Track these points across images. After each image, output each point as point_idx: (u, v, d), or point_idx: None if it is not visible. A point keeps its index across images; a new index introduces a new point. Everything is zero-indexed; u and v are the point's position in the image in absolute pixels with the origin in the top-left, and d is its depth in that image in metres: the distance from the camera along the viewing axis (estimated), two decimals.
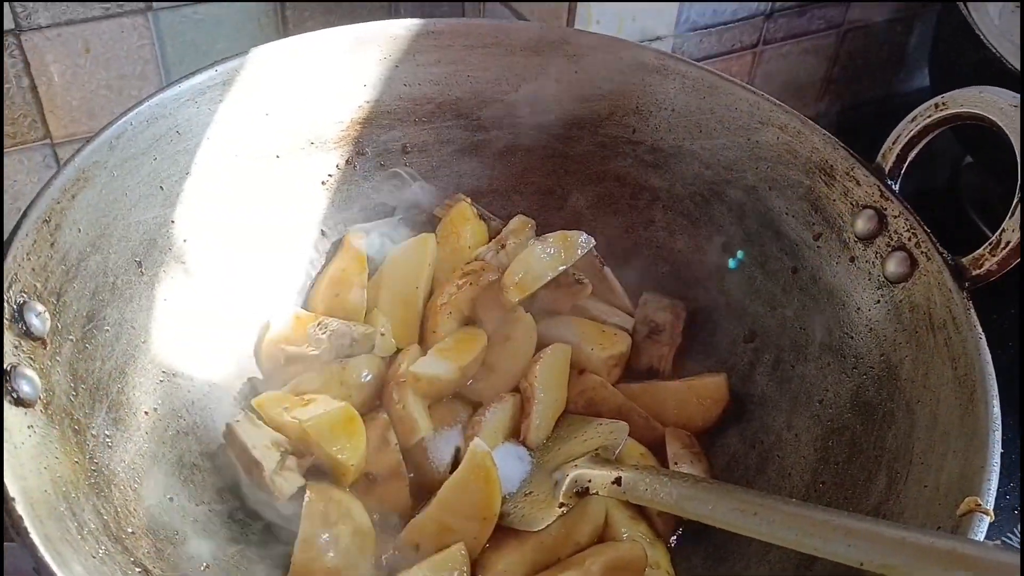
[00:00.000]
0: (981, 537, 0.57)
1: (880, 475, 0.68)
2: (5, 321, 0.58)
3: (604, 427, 0.78)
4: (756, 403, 0.81)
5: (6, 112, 0.98)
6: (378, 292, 0.85)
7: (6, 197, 1.02)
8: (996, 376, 0.64)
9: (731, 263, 0.86)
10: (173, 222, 0.76)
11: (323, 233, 0.88)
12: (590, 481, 0.72)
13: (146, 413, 0.69)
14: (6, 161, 1.01)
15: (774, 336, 0.82)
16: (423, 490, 0.75)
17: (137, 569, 0.57)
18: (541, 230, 0.90)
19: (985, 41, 1.02)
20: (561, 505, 0.71)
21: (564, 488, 0.72)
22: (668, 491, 0.67)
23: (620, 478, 0.70)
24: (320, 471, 0.73)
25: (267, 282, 0.84)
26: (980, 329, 0.67)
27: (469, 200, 0.90)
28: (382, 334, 0.81)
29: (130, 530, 0.60)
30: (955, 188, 1.21)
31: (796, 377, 0.79)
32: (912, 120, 0.75)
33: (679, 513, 0.71)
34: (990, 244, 0.69)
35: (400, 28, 0.86)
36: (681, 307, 0.88)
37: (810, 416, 0.77)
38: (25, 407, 0.57)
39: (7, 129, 0.99)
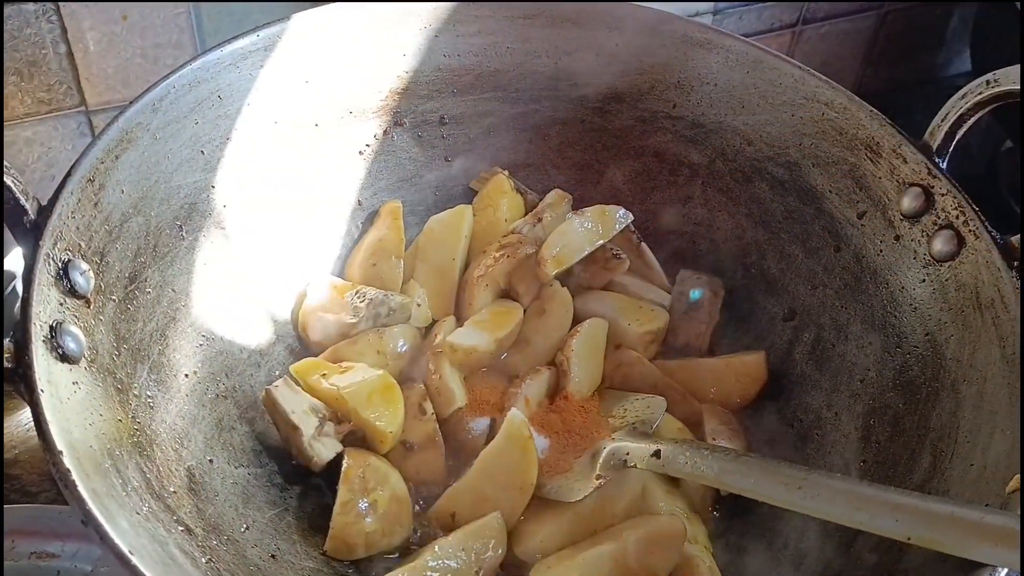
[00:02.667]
0: None
1: (924, 454, 0.67)
2: (51, 278, 0.58)
3: (641, 401, 0.78)
4: (795, 381, 0.80)
5: (43, 78, 0.98)
6: (414, 263, 0.84)
7: (40, 163, 1.02)
8: None
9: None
10: (214, 187, 0.76)
11: (359, 203, 0.88)
12: (628, 454, 0.71)
13: (186, 376, 0.69)
14: (41, 127, 1.01)
15: (814, 315, 0.81)
16: (459, 460, 0.75)
17: (179, 527, 0.57)
18: (578, 205, 0.89)
19: None
20: (598, 477, 0.71)
21: (602, 460, 0.71)
22: (709, 464, 0.66)
23: (659, 451, 0.69)
24: (357, 439, 0.73)
25: (304, 250, 0.84)
26: None
27: (507, 173, 0.90)
28: (419, 304, 0.81)
29: (172, 489, 0.60)
30: (993, 175, 1.20)
31: (836, 356, 0.79)
32: (962, 97, 0.74)
33: (720, 486, 0.70)
34: None
35: None
36: (719, 284, 0.87)
37: (851, 395, 0.76)
38: (70, 363, 0.57)
39: (42, 95, 0.99)
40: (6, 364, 0.53)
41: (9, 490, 0.85)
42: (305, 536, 0.68)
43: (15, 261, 0.89)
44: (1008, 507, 0.57)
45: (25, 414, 0.91)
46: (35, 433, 0.87)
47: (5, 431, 0.90)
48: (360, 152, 0.87)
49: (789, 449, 0.77)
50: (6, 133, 0.98)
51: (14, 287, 0.87)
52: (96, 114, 1.02)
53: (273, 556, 0.64)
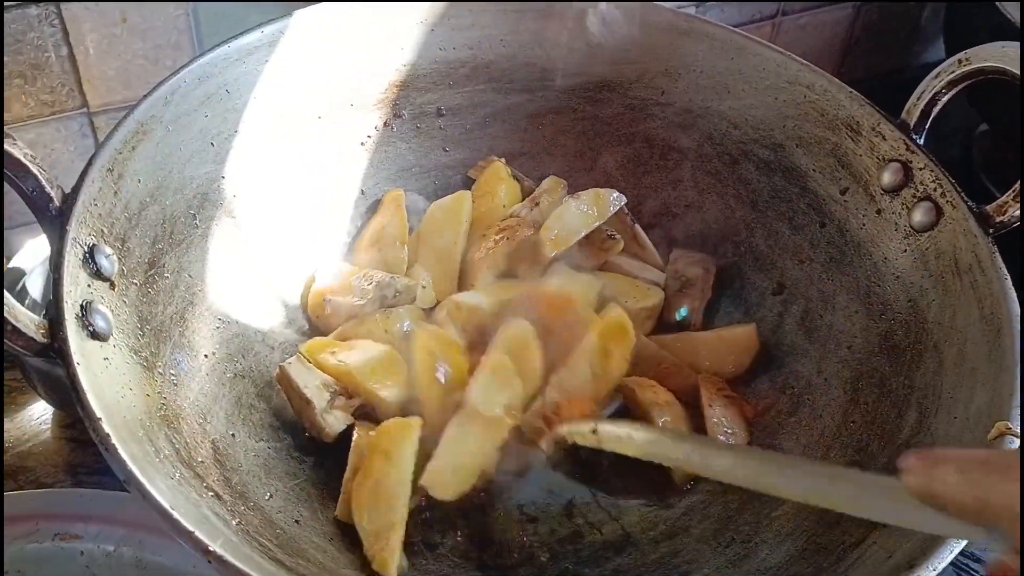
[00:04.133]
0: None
1: (910, 411, 0.71)
2: (78, 260, 0.61)
3: None
4: (786, 351, 0.84)
5: (45, 81, 1.00)
6: (417, 248, 0.87)
7: (43, 164, 1.04)
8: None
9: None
10: (223, 177, 0.79)
11: (363, 192, 0.91)
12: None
13: (206, 356, 0.72)
14: (44, 129, 1.03)
15: (802, 288, 0.85)
16: None
17: (210, 493, 0.60)
18: (572, 191, 0.92)
19: (1000, 8, 1.05)
20: None
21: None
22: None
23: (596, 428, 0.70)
24: (367, 412, 0.76)
25: (311, 237, 0.86)
26: (1005, 270, 0.70)
27: (503, 161, 0.93)
28: (423, 287, 0.84)
29: (199, 459, 0.63)
30: (968, 157, 1.24)
31: (824, 326, 0.82)
32: (936, 76, 0.78)
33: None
34: (1013, 191, 0.72)
35: None
36: (711, 262, 0.90)
37: (839, 361, 0.80)
38: (100, 340, 0.60)
39: (45, 98, 1.01)
40: (42, 339, 0.55)
41: (24, 482, 0.87)
42: (324, 503, 0.71)
43: (24, 258, 0.91)
44: None
45: (36, 408, 0.93)
46: (47, 427, 0.91)
47: (17, 425, 0.92)
48: (362, 143, 0.90)
49: (783, 415, 0.80)
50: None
51: (24, 284, 0.89)
52: (98, 115, 1.04)
53: (297, 521, 0.67)
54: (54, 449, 0.90)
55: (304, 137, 0.86)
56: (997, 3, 1.04)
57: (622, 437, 0.66)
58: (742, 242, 0.90)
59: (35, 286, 0.90)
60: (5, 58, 0.95)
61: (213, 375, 0.72)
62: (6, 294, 0.54)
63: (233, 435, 0.69)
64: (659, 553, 0.71)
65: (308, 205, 0.86)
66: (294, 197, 0.85)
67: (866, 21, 1.29)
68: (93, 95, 1.03)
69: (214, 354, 0.73)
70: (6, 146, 0.59)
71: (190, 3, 1.00)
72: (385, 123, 0.91)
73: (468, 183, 0.94)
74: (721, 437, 0.78)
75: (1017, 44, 0.73)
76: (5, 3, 0.92)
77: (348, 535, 0.69)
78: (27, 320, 0.55)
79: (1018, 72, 0.71)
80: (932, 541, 0.55)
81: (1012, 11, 1.03)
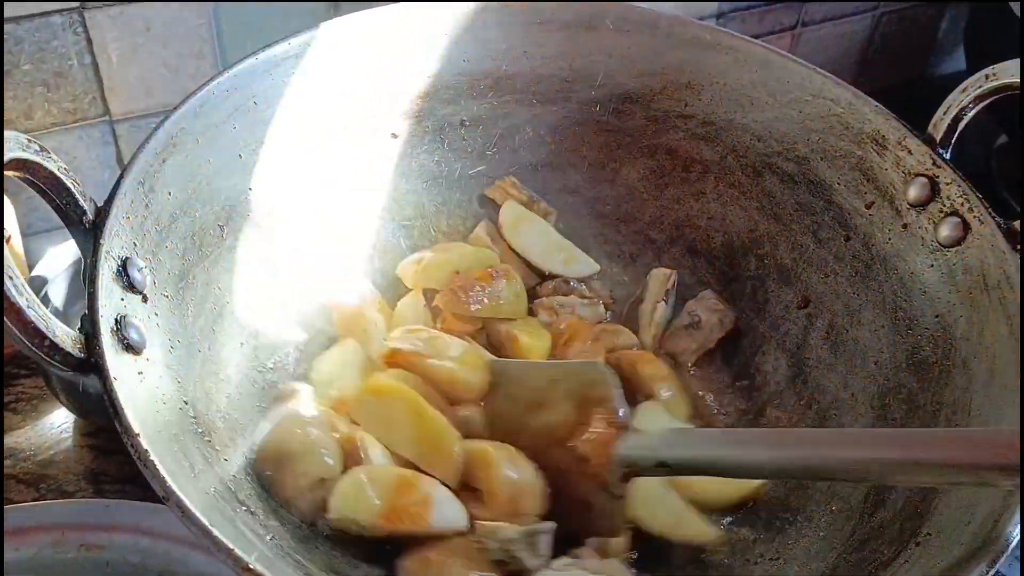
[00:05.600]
0: None
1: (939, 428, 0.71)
2: (112, 274, 0.61)
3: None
4: (812, 365, 0.84)
5: (68, 89, 1.00)
6: None
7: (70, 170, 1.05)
8: None
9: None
10: (251, 189, 0.79)
11: (386, 205, 0.91)
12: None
13: (235, 369, 0.72)
14: (66, 137, 1.03)
15: (827, 302, 0.85)
16: None
17: (243, 508, 0.60)
18: (593, 203, 0.94)
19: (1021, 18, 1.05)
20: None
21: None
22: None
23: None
24: None
25: (337, 249, 0.87)
26: None
27: (517, 186, 0.93)
28: None
29: (232, 474, 0.63)
30: (988, 170, 1.24)
31: (850, 340, 0.82)
32: (963, 91, 0.78)
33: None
34: None
35: (462, 5, 0.88)
36: (731, 319, 0.90)
37: (866, 376, 0.79)
38: (134, 354, 0.60)
39: (68, 106, 1.01)
40: (78, 354, 0.56)
41: (46, 490, 0.87)
42: None
43: (47, 266, 0.91)
44: None
45: (57, 416, 0.93)
46: (69, 435, 0.91)
47: (39, 433, 0.92)
48: (386, 155, 0.90)
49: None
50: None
51: (46, 292, 0.90)
52: (119, 123, 1.05)
53: (328, 537, 0.67)
54: (76, 457, 0.90)
55: (330, 148, 0.86)
56: (1017, 11, 1.04)
57: (696, 458, 0.65)
58: (766, 255, 0.90)
59: (57, 294, 0.90)
60: (28, 66, 0.95)
61: (242, 388, 0.72)
62: (44, 308, 0.54)
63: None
64: (687, 572, 0.71)
65: (333, 218, 0.86)
66: (320, 208, 0.85)
67: (885, 31, 1.29)
68: (115, 103, 1.03)
69: (243, 367, 0.73)
70: (40, 159, 0.59)
71: (211, 4, 1.00)
72: (410, 134, 0.91)
73: (484, 201, 0.94)
74: None
75: None
76: (29, 12, 0.92)
77: (380, 552, 0.69)
78: (64, 335, 0.55)
79: None
80: (969, 561, 0.55)
81: None
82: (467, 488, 0.69)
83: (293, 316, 0.81)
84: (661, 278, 0.92)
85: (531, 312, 0.89)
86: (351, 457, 0.69)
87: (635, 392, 0.82)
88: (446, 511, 0.67)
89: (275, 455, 0.69)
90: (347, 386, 0.77)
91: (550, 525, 0.68)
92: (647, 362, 0.84)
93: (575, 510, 0.69)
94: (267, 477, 0.68)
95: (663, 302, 0.90)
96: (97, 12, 0.96)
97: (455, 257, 0.88)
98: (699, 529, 0.73)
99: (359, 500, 0.66)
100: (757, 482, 0.76)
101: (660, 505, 0.74)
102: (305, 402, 0.74)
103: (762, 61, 0.88)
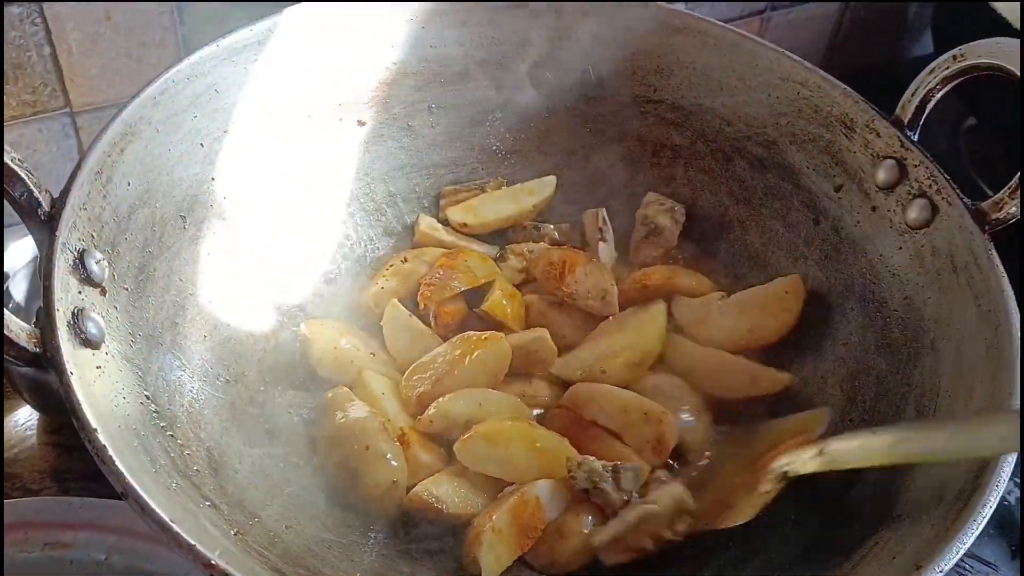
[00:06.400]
0: (1011, 462, 0.59)
1: (908, 410, 0.71)
2: (68, 266, 0.60)
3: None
4: (781, 349, 0.84)
5: (27, 81, 0.98)
6: None
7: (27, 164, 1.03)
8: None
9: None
10: (213, 179, 0.78)
11: (353, 193, 0.89)
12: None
13: (198, 361, 0.71)
14: (26, 130, 1.01)
15: None
16: None
17: (206, 502, 0.59)
18: (564, 189, 0.94)
19: (988, 2, 1.05)
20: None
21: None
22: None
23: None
24: None
25: (302, 239, 0.85)
26: (1002, 267, 0.69)
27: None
28: None
29: (195, 468, 0.62)
30: (956, 151, 1.25)
31: (820, 323, 0.82)
32: (930, 72, 0.78)
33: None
34: (1010, 188, 0.72)
35: None
36: (681, 211, 0.91)
37: (835, 359, 0.80)
38: (92, 348, 0.58)
39: (27, 98, 0.99)
40: (34, 349, 0.54)
41: (10, 488, 0.86)
42: (323, 511, 0.70)
43: (7, 261, 0.90)
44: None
45: (22, 413, 0.91)
46: (33, 432, 0.89)
47: (3, 431, 0.91)
48: (352, 142, 0.89)
49: (780, 414, 0.80)
50: None
51: (7, 288, 0.88)
52: (80, 115, 1.03)
53: (293, 528, 0.66)
54: (40, 455, 0.88)
55: (294, 137, 0.84)
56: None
57: (855, 448, 0.65)
58: (736, 239, 0.90)
59: (19, 290, 0.88)
60: None
61: (206, 380, 0.71)
62: None
63: (227, 442, 0.68)
64: (660, 550, 0.70)
65: (298, 206, 0.85)
66: (284, 198, 0.84)
67: (854, 16, 1.29)
68: (76, 94, 1.01)
69: (206, 359, 0.72)
70: None
71: (174, 1, 0.99)
72: (376, 122, 0.90)
73: (458, 182, 0.93)
74: None
75: (1014, 41, 0.73)
76: None
77: (346, 542, 0.68)
78: (18, 329, 0.54)
79: (1016, 70, 0.71)
80: (938, 542, 0.55)
81: (1002, 8, 1.03)
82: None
83: (258, 306, 0.80)
84: (592, 218, 0.92)
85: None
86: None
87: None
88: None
89: (343, 471, 0.72)
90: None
91: (637, 464, 0.72)
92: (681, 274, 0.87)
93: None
94: (343, 492, 0.72)
95: (602, 241, 0.90)
96: (56, 3, 0.94)
97: (410, 267, 0.87)
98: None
99: None
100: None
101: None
102: (353, 407, 0.75)
103: (731, 45, 0.88)
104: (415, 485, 0.72)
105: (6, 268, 0.89)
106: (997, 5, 1.04)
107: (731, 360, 0.82)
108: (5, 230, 1.00)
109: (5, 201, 0.61)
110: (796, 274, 0.84)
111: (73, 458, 0.87)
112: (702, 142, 0.91)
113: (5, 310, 0.54)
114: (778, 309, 0.83)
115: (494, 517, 0.69)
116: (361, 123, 0.89)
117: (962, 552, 0.55)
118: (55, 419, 0.89)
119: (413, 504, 0.72)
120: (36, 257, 0.87)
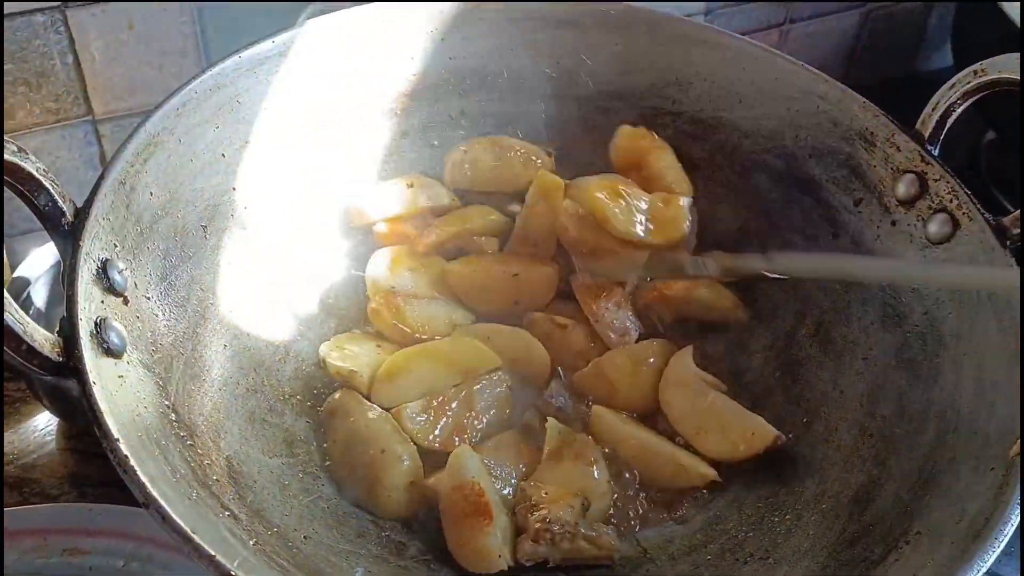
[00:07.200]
0: None
1: (929, 427, 0.70)
2: (92, 276, 0.60)
3: None
4: (800, 363, 0.83)
5: (50, 88, 0.99)
6: None
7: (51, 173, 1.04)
8: None
9: None
10: (234, 189, 0.78)
11: (375, 203, 0.90)
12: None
13: (218, 371, 0.72)
14: (49, 137, 1.02)
15: (816, 299, 0.84)
16: None
17: (226, 512, 0.59)
18: None
19: (1008, 16, 1.05)
20: None
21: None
22: None
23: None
24: None
25: (322, 248, 0.86)
26: None
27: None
28: None
29: (215, 478, 0.62)
30: (976, 166, 1.24)
31: (839, 338, 0.82)
32: (951, 87, 0.78)
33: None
34: None
35: (447, 2, 0.88)
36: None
37: (855, 374, 0.79)
38: (115, 358, 0.59)
39: (50, 105, 1.00)
40: (57, 358, 0.55)
41: (29, 494, 0.86)
42: (340, 520, 0.70)
43: (29, 268, 0.90)
44: (1011, 470, 0.60)
45: (40, 419, 0.92)
46: (52, 438, 0.90)
47: (22, 436, 0.91)
48: (371, 154, 0.89)
49: (798, 428, 0.79)
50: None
51: (28, 294, 0.89)
52: (102, 123, 1.04)
53: (311, 539, 0.66)
54: (59, 461, 0.89)
55: (314, 147, 0.85)
56: (1005, 9, 1.04)
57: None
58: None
59: (40, 296, 0.89)
60: (10, 66, 0.94)
61: (226, 390, 0.71)
62: (21, 312, 0.53)
63: (247, 451, 0.68)
64: (677, 571, 0.70)
65: (318, 217, 0.85)
66: (304, 208, 0.84)
67: (873, 28, 1.29)
68: (98, 102, 1.02)
69: (226, 369, 0.72)
70: (18, 160, 0.58)
71: (195, 4, 0.99)
72: (395, 132, 0.90)
73: (479, 197, 0.93)
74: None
75: None
76: (10, 11, 0.91)
77: (363, 553, 0.68)
78: (42, 339, 0.54)
79: None
80: (959, 560, 0.55)
81: (1008, 7, 1.03)
82: None
83: (277, 316, 0.80)
84: None
85: None
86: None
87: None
88: None
89: (358, 478, 0.73)
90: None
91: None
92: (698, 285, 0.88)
93: None
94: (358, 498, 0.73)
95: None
96: (79, 11, 0.95)
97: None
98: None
99: None
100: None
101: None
102: (361, 412, 0.75)
103: (750, 58, 0.88)
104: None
105: (27, 275, 0.89)
106: (1005, 6, 1.03)
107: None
108: (25, 236, 1.01)
109: (28, 208, 0.62)
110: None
111: (92, 464, 0.88)
112: (721, 155, 0.91)
113: (29, 319, 0.54)
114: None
115: None
116: (381, 133, 0.89)
117: (983, 571, 0.54)
118: (74, 425, 0.90)
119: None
120: (58, 263, 0.88)
